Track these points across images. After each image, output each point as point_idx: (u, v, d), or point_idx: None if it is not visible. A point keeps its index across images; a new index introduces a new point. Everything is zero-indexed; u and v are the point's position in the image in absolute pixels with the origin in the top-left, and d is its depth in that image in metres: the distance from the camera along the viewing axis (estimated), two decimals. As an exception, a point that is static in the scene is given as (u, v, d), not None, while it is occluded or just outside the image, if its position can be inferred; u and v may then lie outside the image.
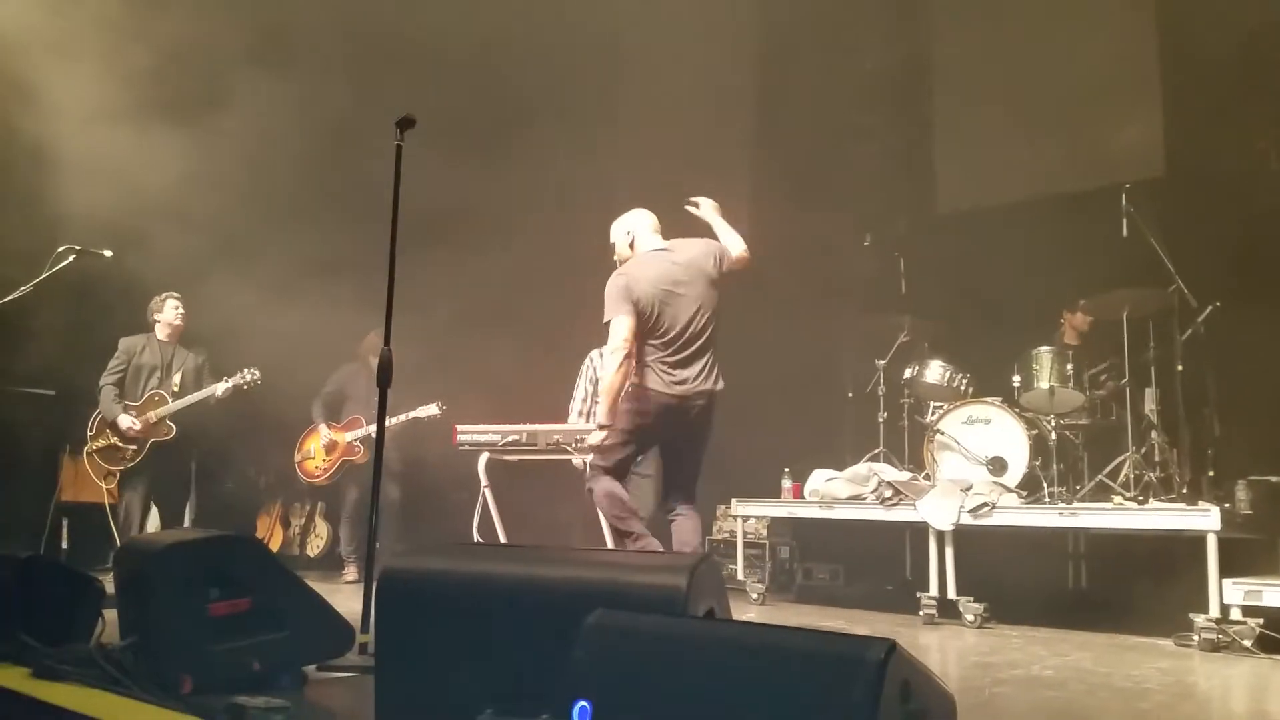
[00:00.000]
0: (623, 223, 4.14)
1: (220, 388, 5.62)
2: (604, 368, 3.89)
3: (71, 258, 4.81)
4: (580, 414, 5.71)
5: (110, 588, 2.83)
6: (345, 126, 5.62)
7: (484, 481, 5.45)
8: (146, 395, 5.59)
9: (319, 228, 5.85)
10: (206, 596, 2.54)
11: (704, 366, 3.95)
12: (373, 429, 5.97)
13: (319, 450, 6.35)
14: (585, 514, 5.16)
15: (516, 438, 5.28)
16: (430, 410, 6.00)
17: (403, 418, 6.01)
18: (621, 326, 3.81)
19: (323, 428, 6.32)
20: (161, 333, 5.72)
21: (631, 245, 4.08)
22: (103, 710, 2.16)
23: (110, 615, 2.80)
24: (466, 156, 6.07)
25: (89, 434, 5.57)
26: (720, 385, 3.99)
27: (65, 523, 6.11)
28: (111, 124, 5.32)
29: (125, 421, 5.48)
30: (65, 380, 6.08)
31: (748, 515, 5.88)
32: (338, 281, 5.85)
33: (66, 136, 5.24)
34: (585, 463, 5.54)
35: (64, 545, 6.08)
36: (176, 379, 5.67)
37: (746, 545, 5.85)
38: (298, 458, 6.46)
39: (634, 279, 3.89)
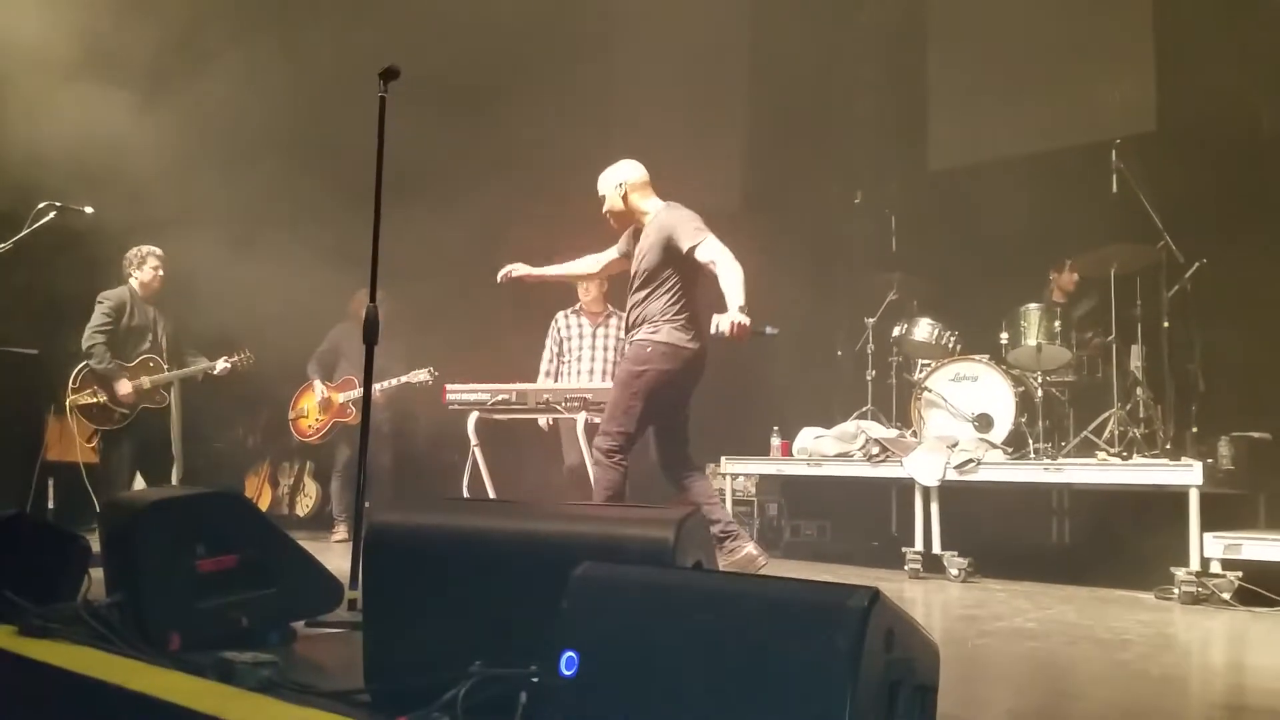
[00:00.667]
0: (614, 175, 3.99)
1: (219, 365, 5.68)
2: (734, 270, 3.62)
3: (52, 214, 4.68)
4: (547, 374, 5.70)
5: (96, 547, 2.81)
6: (327, 78, 5.51)
7: (473, 441, 5.43)
8: (140, 359, 5.50)
9: (302, 185, 5.76)
10: (193, 553, 2.52)
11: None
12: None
13: (313, 409, 6.34)
14: (576, 474, 5.15)
15: (506, 397, 5.26)
16: (421, 376, 5.95)
17: (393, 382, 5.99)
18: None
19: (318, 385, 6.31)
20: (139, 289, 5.55)
21: (625, 199, 3.95)
22: (91, 667, 2.15)
23: (96, 574, 2.78)
24: (451, 110, 5.97)
25: (71, 387, 5.40)
26: None
27: (51, 482, 6.06)
28: (87, 80, 5.21)
29: (125, 388, 5.39)
30: (48, 339, 5.99)
31: (737, 473, 5.91)
32: (322, 241, 5.79)
33: (39, 91, 5.11)
34: (548, 423, 5.55)
35: (49, 505, 6.04)
36: (164, 343, 5.60)
37: (735, 502, 5.89)
38: (291, 415, 6.45)
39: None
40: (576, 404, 5.03)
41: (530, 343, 5.94)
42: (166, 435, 5.75)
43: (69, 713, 2.12)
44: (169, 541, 2.50)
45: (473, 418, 5.38)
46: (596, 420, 5.06)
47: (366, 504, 3.35)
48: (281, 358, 6.31)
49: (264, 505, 6.98)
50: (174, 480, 5.93)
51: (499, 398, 5.25)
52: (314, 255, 5.60)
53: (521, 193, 6.38)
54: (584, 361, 5.65)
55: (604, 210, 4.04)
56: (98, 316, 5.44)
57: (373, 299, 3.28)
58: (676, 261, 3.76)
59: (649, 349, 3.78)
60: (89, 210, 4.83)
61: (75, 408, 5.39)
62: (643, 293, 3.89)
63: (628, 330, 3.98)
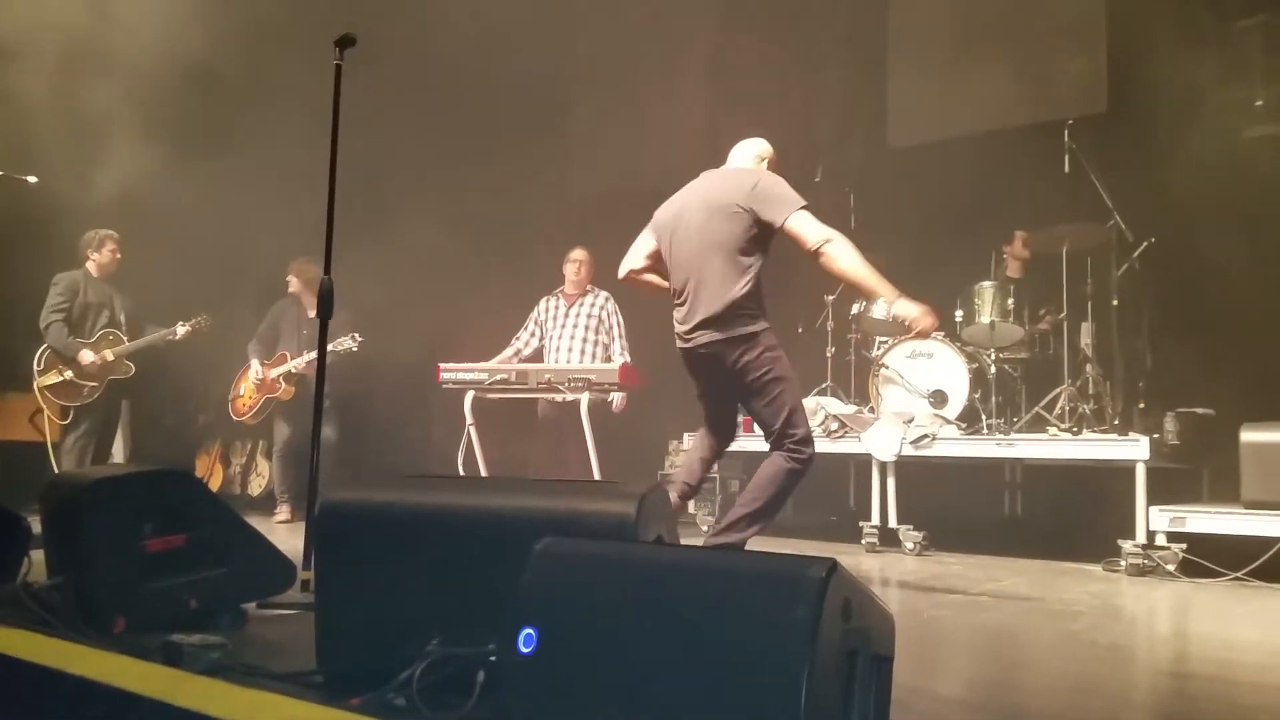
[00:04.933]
0: (756, 148, 3.89)
1: (180, 329, 5.71)
2: (845, 254, 3.24)
3: None
4: (516, 353, 5.64)
5: (37, 529, 2.72)
6: (287, 42, 5.36)
7: (469, 420, 5.23)
8: (100, 333, 5.55)
9: (263, 150, 5.63)
10: (140, 533, 2.44)
11: None
12: (295, 364, 5.88)
13: (249, 388, 6.16)
14: (579, 454, 5.03)
15: (505, 376, 5.14)
16: (345, 344, 5.59)
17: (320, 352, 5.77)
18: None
19: (255, 364, 6.05)
20: (95, 270, 5.62)
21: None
22: (30, 651, 2.07)
23: (37, 558, 2.69)
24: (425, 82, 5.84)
25: (36, 369, 5.44)
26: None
27: (-14, 462, 5.87)
28: (42, 50, 5.04)
29: (88, 357, 5.43)
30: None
31: (697, 449, 5.91)
32: (276, 213, 5.66)
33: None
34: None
35: (-13, 485, 5.85)
36: (122, 318, 5.64)
37: (696, 479, 5.89)
38: (231, 396, 6.27)
39: None
40: (580, 384, 4.94)
41: (516, 322, 5.84)
42: (114, 410, 5.71)
43: (6, 699, 2.05)
44: (114, 520, 2.43)
45: (469, 397, 5.22)
46: (598, 398, 5.05)
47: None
48: (232, 334, 6.18)
49: (215, 485, 6.84)
50: (120, 454, 5.84)
51: (497, 378, 5.13)
52: (264, 222, 5.50)
53: (475, 157, 6.30)
54: (560, 339, 5.59)
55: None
56: (52, 298, 5.47)
57: (327, 271, 3.20)
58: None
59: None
60: (32, 180, 4.67)
61: (43, 389, 5.43)
62: None
63: None
